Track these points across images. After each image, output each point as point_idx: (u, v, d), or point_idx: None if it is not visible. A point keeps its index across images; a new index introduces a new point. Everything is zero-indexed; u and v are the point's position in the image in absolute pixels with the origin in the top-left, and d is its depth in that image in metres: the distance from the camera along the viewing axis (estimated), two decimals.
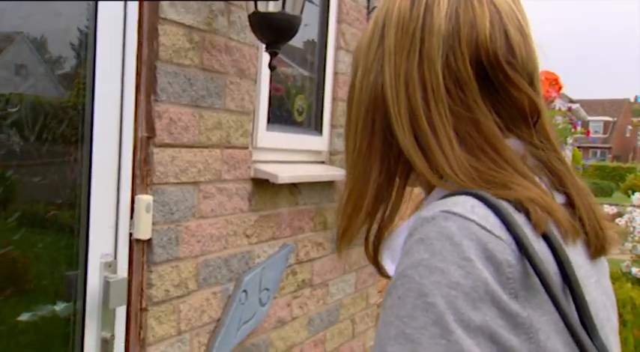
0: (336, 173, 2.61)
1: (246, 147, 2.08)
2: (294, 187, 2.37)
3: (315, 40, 2.65)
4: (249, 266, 2.12)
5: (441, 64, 0.69)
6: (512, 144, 0.71)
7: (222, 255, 1.98)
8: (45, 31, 1.48)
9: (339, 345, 2.85)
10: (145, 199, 1.64)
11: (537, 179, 0.69)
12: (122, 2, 1.60)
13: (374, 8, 2.93)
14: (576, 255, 0.68)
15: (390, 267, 0.75)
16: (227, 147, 1.98)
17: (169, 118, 1.72)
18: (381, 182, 0.75)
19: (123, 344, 1.64)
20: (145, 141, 1.67)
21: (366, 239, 0.79)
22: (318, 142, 2.65)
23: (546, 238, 0.63)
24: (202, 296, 1.89)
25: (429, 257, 0.59)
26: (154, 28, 1.66)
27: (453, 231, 0.59)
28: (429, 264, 0.58)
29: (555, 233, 0.65)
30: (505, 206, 0.63)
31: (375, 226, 0.77)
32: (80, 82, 1.54)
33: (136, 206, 1.63)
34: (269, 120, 2.25)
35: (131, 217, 1.64)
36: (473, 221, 0.60)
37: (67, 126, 1.50)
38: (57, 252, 1.51)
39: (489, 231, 0.60)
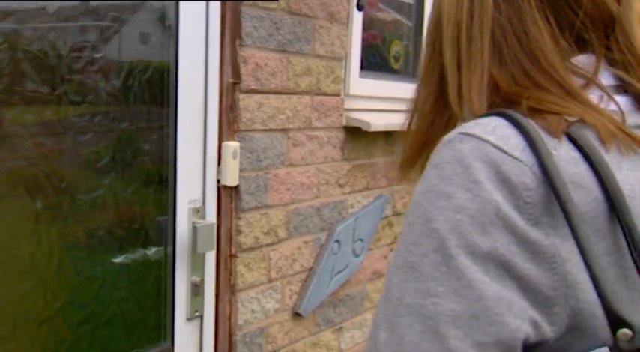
0: None
1: (338, 94, 2.01)
2: (389, 136, 2.28)
3: None
4: (342, 217, 2.08)
5: None
6: (583, 61, 0.62)
7: (313, 203, 1.95)
8: None
9: None
10: (231, 146, 1.63)
11: (604, 99, 0.60)
12: None
13: None
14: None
15: None
16: (317, 94, 1.92)
17: (255, 63, 1.69)
18: (433, 104, 0.71)
19: (213, 289, 1.67)
20: (231, 86, 1.65)
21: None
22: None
23: (589, 159, 0.55)
24: (293, 245, 1.88)
25: (439, 182, 0.55)
26: None
27: (464, 152, 0.55)
28: (437, 189, 0.55)
29: (598, 152, 0.55)
30: (532, 126, 0.55)
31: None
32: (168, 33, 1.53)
33: (223, 152, 1.63)
34: (362, 67, 2.17)
35: (218, 164, 1.64)
36: (488, 141, 0.54)
37: (152, 79, 1.51)
38: (147, 197, 1.54)
39: (505, 152, 0.54)
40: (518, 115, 0.57)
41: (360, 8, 1.74)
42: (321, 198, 1.98)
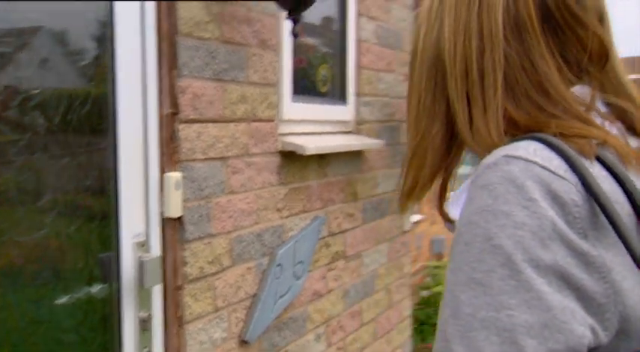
0: (364, 142, 2.56)
1: (272, 120, 2.04)
2: (322, 159, 2.33)
3: (335, 9, 2.58)
4: (282, 240, 2.09)
5: (502, 9, 0.68)
6: (578, 91, 0.68)
7: (254, 229, 1.95)
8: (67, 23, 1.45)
9: (376, 316, 2.84)
10: (173, 176, 1.61)
11: (607, 124, 0.66)
12: None
13: None
14: None
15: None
16: (253, 121, 1.94)
17: (193, 93, 1.69)
18: (443, 137, 0.75)
19: (161, 323, 1.64)
20: (170, 117, 1.64)
21: (440, 196, 0.80)
22: (344, 112, 2.60)
23: (616, 177, 0.61)
24: (237, 272, 1.88)
25: (493, 202, 0.58)
26: (172, 2, 1.62)
27: (515, 173, 0.58)
28: (493, 209, 0.58)
29: (623, 170, 0.62)
30: (568, 148, 0.60)
31: (438, 181, 0.78)
32: (103, 66, 1.51)
33: (165, 184, 1.61)
34: (294, 92, 2.21)
35: (161, 196, 1.62)
36: (535, 163, 0.59)
37: (91, 111, 1.48)
38: (90, 234, 1.50)
39: (552, 172, 0.59)
40: (553, 139, 0.61)
41: (295, 35, 1.78)
42: (261, 224, 1.99)
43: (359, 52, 2.67)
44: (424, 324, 4.65)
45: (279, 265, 2.05)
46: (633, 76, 0.76)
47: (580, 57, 0.69)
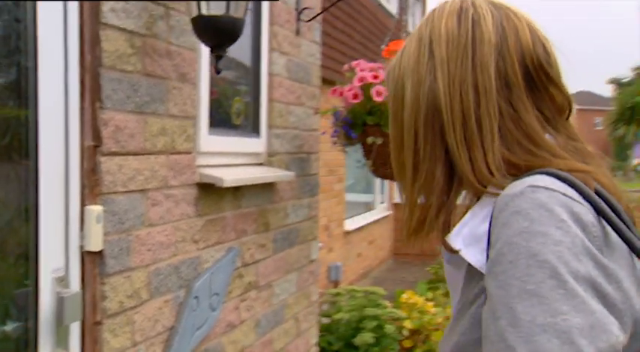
0: (277, 174, 2.62)
1: (190, 152, 2.06)
2: (237, 190, 2.36)
3: (249, 44, 2.64)
4: (198, 272, 2.10)
5: (493, 67, 0.80)
6: (549, 138, 0.81)
7: (172, 262, 1.95)
8: None
9: (285, 345, 2.87)
10: (94, 210, 1.59)
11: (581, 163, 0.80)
12: (62, 9, 1.55)
13: (304, 9, 2.97)
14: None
15: (465, 251, 0.81)
16: (172, 153, 1.95)
17: (115, 126, 1.68)
18: (445, 178, 0.84)
19: None
20: (92, 150, 1.62)
21: (444, 229, 0.86)
22: (257, 144, 2.65)
23: (609, 203, 0.74)
24: (155, 305, 1.86)
25: (529, 224, 0.67)
26: (96, 34, 1.62)
27: (543, 200, 0.68)
28: (530, 230, 0.67)
29: (613, 199, 0.76)
30: (575, 179, 0.72)
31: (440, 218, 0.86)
32: (23, 94, 1.47)
33: (85, 217, 1.59)
34: (211, 124, 2.24)
35: (81, 229, 1.59)
36: (557, 191, 0.70)
37: (11, 142, 1.43)
38: (6, 269, 1.44)
39: (572, 198, 0.70)
40: (561, 172, 0.73)
41: (218, 71, 1.82)
42: (178, 256, 1.99)
43: (271, 86, 2.74)
44: (325, 351, 4.71)
45: (195, 297, 2.04)
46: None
47: (551, 110, 0.83)
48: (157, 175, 1.87)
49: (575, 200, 0.70)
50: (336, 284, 6.99)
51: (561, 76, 0.85)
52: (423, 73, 0.84)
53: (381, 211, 9.41)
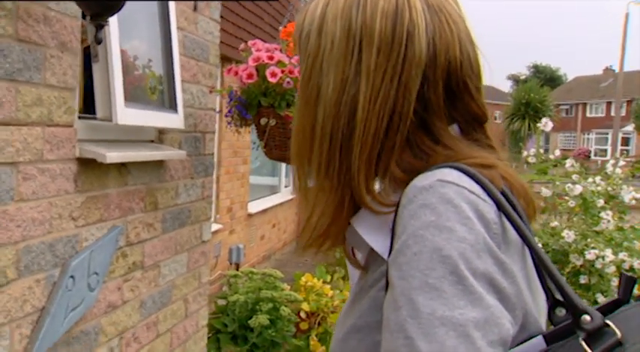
0: (166, 152, 2.55)
1: (71, 126, 1.96)
2: (122, 167, 2.28)
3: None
4: (76, 251, 2.01)
5: (416, 91, 0.80)
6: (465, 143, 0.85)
7: (46, 239, 1.85)
8: None
9: (172, 326, 2.82)
10: None
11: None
12: None
13: None
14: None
15: (370, 237, 0.83)
16: (49, 125, 1.85)
17: None
18: (349, 199, 0.83)
19: None
20: None
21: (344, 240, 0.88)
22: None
23: (510, 202, 0.77)
24: (24, 285, 1.77)
25: (436, 218, 0.69)
26: None
27: (451, 195, 0.71)
28: (437, 225, 0.69)
29: (514, 198, 0.79)
30: (482, 176, 0.75)
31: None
32: None
33: None
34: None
35: None
36: (464, 187, 0.72)
37: None
38: None
39: (477, 195, 0.73)
40: (468, 168, 0.76)
41: (98, 41, 1.73)
42: (54, 233, 1.89)
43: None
44: (220, 332, 4.69)
45: (71, 276, 1.96)
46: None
47: (468, 120, 0.86)
48: (29, 148, 1.76)
49: (480, 197, 0.72)
50: (237, 266, 6.96)
51: (481, 86, 0.86)
52: (348, 74, 0.81)
53: (285, 195, 9.46)
